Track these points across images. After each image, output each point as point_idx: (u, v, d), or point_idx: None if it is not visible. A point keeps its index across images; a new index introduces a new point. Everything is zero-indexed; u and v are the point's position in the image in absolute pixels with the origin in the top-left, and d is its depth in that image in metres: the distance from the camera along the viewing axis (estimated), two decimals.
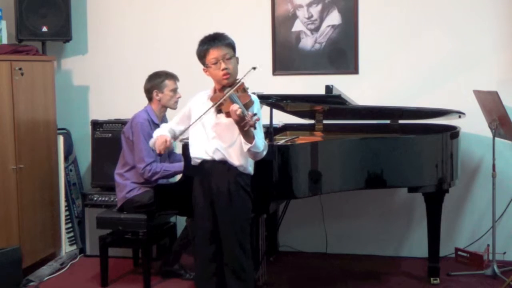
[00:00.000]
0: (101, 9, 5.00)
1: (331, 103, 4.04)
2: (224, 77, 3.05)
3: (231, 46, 3.12)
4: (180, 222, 4.44)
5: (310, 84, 4.45)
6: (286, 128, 4.45)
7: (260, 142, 3.02)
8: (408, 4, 4.51)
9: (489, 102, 4.03)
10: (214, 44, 3.07)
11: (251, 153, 3.02)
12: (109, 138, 4.75)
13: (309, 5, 4.65)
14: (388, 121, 4.35)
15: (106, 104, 4.98)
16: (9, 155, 4.14)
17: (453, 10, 4.45)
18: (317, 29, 4.65)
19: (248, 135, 2.95)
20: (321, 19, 4.64)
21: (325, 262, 4.55)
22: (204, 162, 3.15)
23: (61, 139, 4.73)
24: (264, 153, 3.08)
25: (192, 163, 3.21)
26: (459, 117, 4.12)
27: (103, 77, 5.02)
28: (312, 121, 4.48)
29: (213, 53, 3.06)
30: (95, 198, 4.66)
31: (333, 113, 4.35)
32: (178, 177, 3.90)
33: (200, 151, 3.15)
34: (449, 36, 4.46)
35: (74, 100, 5.07)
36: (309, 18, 4.66)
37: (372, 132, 4.34)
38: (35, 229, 4.38)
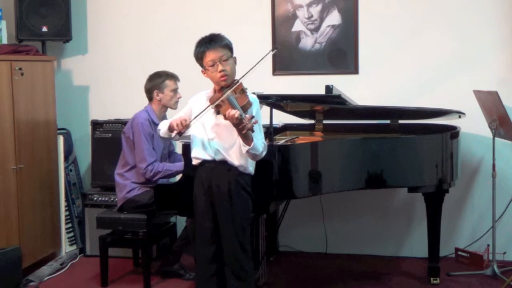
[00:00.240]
0: (101, 9, 5.00)
1: (331, 103, 4.04)
2: (222, 78, 3.04)
3: (228, 47, 3.11)
4: (180, 222, 4.45)
5: (310, 84, 4.45)
6: (286, 128, 4.45)
7: (259, 143, 3.02)
8: (408, 4, 4.51)
9: (489, 102, 4.03)
10: (210, 46, 3.06)
11: (250, 154, 3.02)
12: (109, 138, 4.75)
13: (309, 5, 4.65)
14: (388, 121, 4.35)
15: (106, 104, 4.98)
16: (9, 155, 4.14)
17: (453, 10, 4.45)
18: (317, 29, 4.65)
19: (246, 137, 2.95)
20: (321, 19, 4.64)
21: (325, 262, 4.55)
22: (204, 162, 3.15)
23: (61, 139, 4.73)
24: (264, 154, 3.08)
25: (193, 163, 3.22)
26: (459, 117, 4.12)
27: (103, 77, 5.03)
28: (312, 121, 4.48)
29: (210, 55, 3.05)
30: (95, 198, 4.66)
31: (333, 113, 4.35)
32: (179, 177, 3.90)
33: (200, 152, 3.15)
34: (449, 36, 4.47)
35: (74, 100, 5.07)
36: (309, 18, 4.66)
37: (372, 132, 4.34)
38: (35, 229, 4.39)
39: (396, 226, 4.67)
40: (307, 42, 4.68)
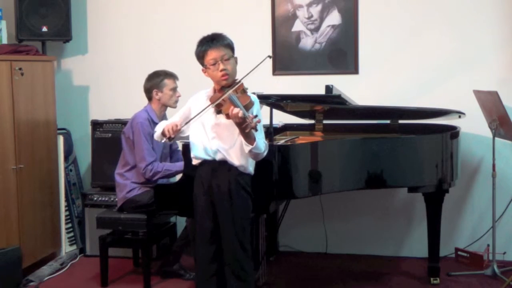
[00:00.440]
0: (101, 9, 5.00)
1: (331, 103, 4.04)
2: (223, 78, 3.04)
3: (230, 46, 3.11)
4: (180, 222, 4.44)
5: (310, 84, 4.45)
6: (286, 128, 4.45)
7: (261, 143, 3.02)
8: (408, 4, 4.51)
9: (489, 102, 4.03)
10: (212, 44, 3.06)
11: (253, 154, 3.03)
12: (109, 138, 4.75)
13: (309, 5, 4.65)
14: (388, 121, 4.35)
15: (106, 104, 4.98)
16: (9, 155, 4.14)
17: (453, 10, 4.45)
18: (317, 29, 4.65)
19: (249, 137, 2.95)
20: (321, 19, 4.64)
21: (325, 262, 4.55)
22: (204, 162, 3.15)
23: (61, 139, 4.73)
24: (265, 153, 3.08)
25: (193, 163, 3.22)
26: (459, 117, 4.12)
27: (103, 77, 5.03)
28: (312, 121, 4.48)
29: (212, 54, 3.05)
30: (95, 198, 4.66)
31: (333, 113, 4.35)
32: (179, 176, 3.90)
33: (200, 151, 3.15)
34: (449, 36, 4.47)
35: (74, 100, 5.07)
36: (309, 18, 4.66)
37: (372, 132, 4.34)
38: (35, 229, 4.38)
39: (396, 226, 4.66)
40: (307, 42, 4.68)
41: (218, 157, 3.10)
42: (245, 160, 3.10)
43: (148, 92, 4.15)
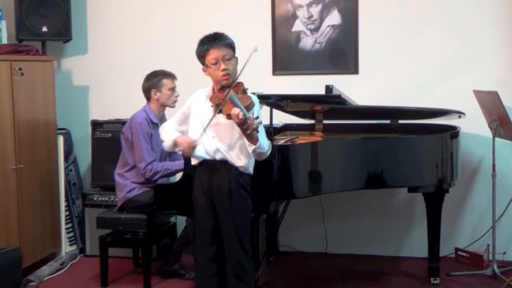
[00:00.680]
0: (101, 9, 5.00)
1: (331, 103, 4.04)
2: (224, 77, 3.04)
3: (231, 46, 3.11)
4: (180, 222, 4.45)
5: (310, 84, 4.44)
6: (286, 128, 4.45)
7: (265, 142, 3.03)
8: (408, 4, 4.51)
9: (489, 102, 4.03)
10: (214, 44, 3.06)
11: (256, 153, 3.03)
12: (109, 138, 4.75)
13: (309, 5, 4.65)
14: (388, 121, 4.35)
15: (106, 104, 4.98)
16: (9, 155, 4.14)
17: (453, 10, 4.45)
18: (317, 29, 4.65)
19: (251, 137, 2.95)
20: (321, 19, 4.64)
21: (325, 262, 4.55)
22: (204, 161, 3.15)
23: (61, 139, 4.73)
24: (269, 152, 3.08)
25: (192, 163, 3.22)
26: (459, 117, 4.12)
27: (103, 77, 5.03)
28: (312, 121, 4.48)
29: (213, 53, 3.05)
30: (95, 198, 4.66)
31: (333, 113, 4.35)
32: (178, 176, 3.90)
33: (200, 151, 3.14)
34: (449, 36, 4.47)
35: (74, 100, 5.07)
36: (309, 18, 4.66)
37: (372, 132, 4.34)
38: (35, 229, 4.38)
39: (396, 226, 4.66)
40: (307, 42, 4.68)
41: (218, 156, 3.10)
42: (245, 160, 3.10)
43: (147, 92, 4.15)
